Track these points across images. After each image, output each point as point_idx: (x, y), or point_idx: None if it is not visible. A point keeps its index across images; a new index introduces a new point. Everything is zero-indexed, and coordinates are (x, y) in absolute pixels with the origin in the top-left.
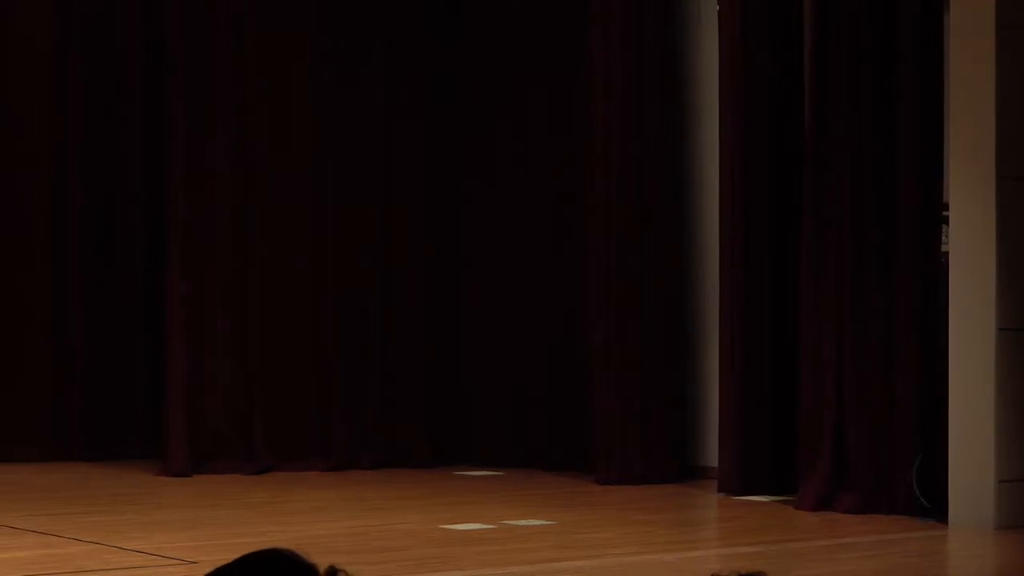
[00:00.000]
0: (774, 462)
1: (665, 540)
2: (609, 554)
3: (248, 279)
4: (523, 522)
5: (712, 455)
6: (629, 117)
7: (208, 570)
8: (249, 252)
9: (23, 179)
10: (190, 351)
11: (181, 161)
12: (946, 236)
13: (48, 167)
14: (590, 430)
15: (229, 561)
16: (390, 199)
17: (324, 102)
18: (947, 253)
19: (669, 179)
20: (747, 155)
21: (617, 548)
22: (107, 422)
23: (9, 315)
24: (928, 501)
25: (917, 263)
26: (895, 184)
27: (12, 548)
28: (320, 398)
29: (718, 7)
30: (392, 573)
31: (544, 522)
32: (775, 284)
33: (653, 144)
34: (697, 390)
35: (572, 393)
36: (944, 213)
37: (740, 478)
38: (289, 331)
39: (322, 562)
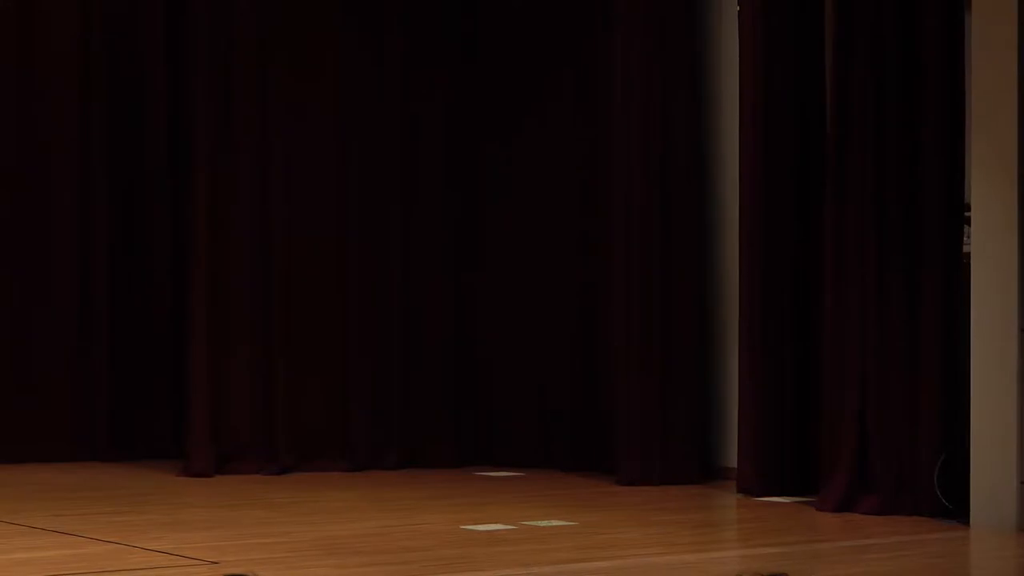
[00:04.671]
0: (795, 463)
1: (687, 541)
2: (631, 555)
3: (271, 279)
4: (544, 523)
5: (733, 456)
6: (652, 115)
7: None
8: (272, 252)
9: (49, 179)
10: (213, 351)
11: (204, 161)
12: (968, 236)
13: (74, 167)
14: (611, 431)
15: None
16: (411, 200)
17: (344, 104)
18: (969, 253)
19: (692, 178)
20: (768, 156)
21: (638, 548)
22: (130, 422)
23: (34, 314)
24: (950, 502)
25: (940, 264)
26: (918, 183)
27: (34, 548)
28: (342, 398)
29: (739, 8)
30: (414, 573)
31: (565, 523)
32: (796, 285)
33: (676, 143)
34: (718, 391)
35: (593, 394)
36: (966, 213)
37: (761, 479)
38: (311, 331)
39: (347, 563)
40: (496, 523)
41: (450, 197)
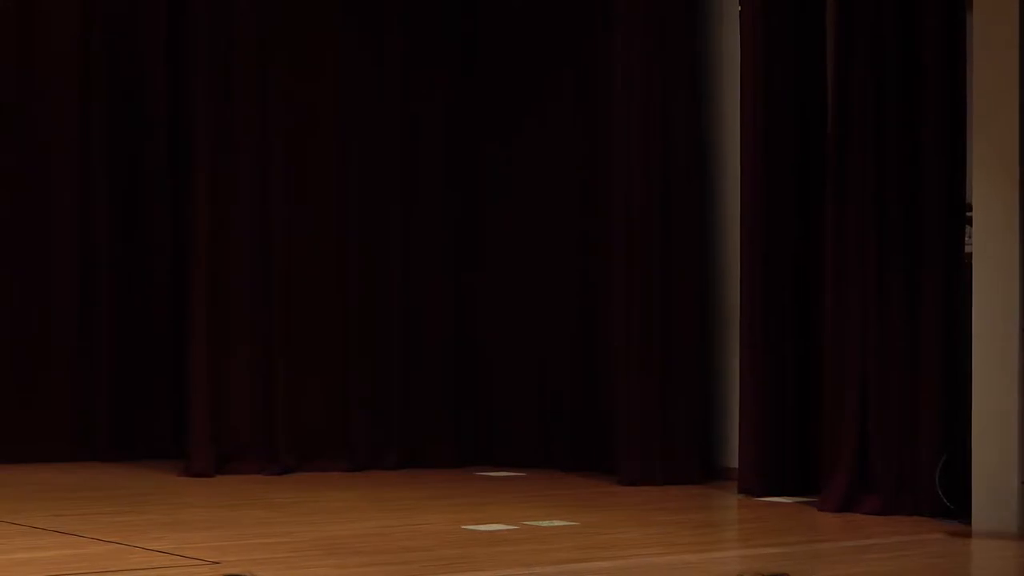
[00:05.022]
0: (796, 463)
1: (688, 541)
2: (632, 555)
3: (271, 279)
4: (545, 523)
5: (734, 456)
6: (653, 115)
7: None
8: (272, 252)
9: (49, 179)
10: (213, 351)
11: (204, 161)
12: (969, 237)
13: (74, 167)
14: (612, 430)
15: None
16: (411, 200)
17: (345, 104)
18: (970, 254)
19: (692, 178)
20: (768, 155)
21: (639, 549)
22: (131, 422)
23: (34, 314)
24: (951, 502)
25: (940, 264)
26: (918, 183)
27: (35, 548)
28: (342, 398)
29: (740, 7)
30: (414, 573)
31: (566, 523)
32: (797, 285)
33: (676, 142)
34: (719, 390)
35: (594, 393)
36: (967, 214)
37: (762, 479)
38: (311, 331)
39: (347, 563)
40: (497, 523)
41: (450, 197)
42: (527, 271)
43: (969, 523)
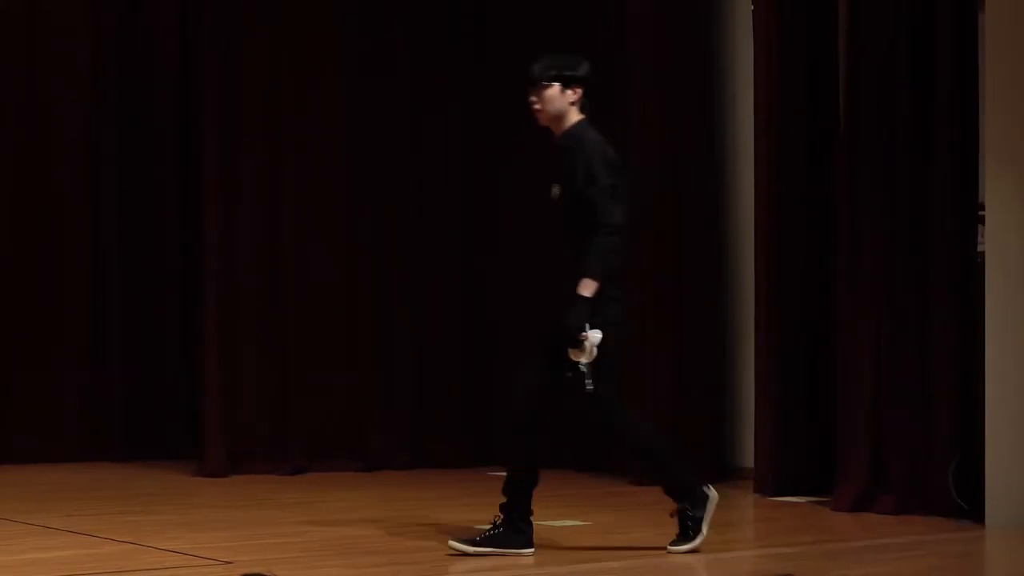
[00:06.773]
0: (810, 463)
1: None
2: (645, 554)
3: (280, 280)
4: (557, 523)
5: (749, 456)
6: (662, 113)
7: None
8: (281, 252)
9: (59, 180)
10: (224, 352)
11: (212, 164)
12: (982, 236)
13: (83, 169)
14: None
15: None
16: (416, 201)
17: (350, 104)
18: (983, 253)
19: (705, 175)
20: (781, 154)
21: (653, 548)
22: (144, 422)
23: (46, 315)
24: (965, 502)
25: (953, 263)
26: (931, 183)
27: (49, 548)
28: (354, 399)
29: (753, 7)
30: (425, 573)
31: (578, 522)
32: (811, 285)
33: (687, 141)
34: (734, 390)
35: None
36: (980, 213)
37: (776, 479)
38: (323, 333)
39: (358, 563)
40: None
41: (454, 197)
42: (538, 272)
43: (983, 523)
